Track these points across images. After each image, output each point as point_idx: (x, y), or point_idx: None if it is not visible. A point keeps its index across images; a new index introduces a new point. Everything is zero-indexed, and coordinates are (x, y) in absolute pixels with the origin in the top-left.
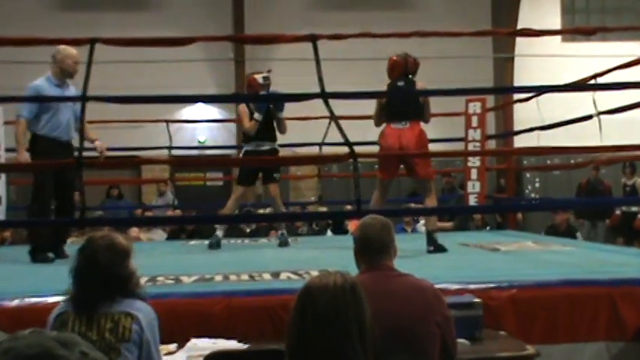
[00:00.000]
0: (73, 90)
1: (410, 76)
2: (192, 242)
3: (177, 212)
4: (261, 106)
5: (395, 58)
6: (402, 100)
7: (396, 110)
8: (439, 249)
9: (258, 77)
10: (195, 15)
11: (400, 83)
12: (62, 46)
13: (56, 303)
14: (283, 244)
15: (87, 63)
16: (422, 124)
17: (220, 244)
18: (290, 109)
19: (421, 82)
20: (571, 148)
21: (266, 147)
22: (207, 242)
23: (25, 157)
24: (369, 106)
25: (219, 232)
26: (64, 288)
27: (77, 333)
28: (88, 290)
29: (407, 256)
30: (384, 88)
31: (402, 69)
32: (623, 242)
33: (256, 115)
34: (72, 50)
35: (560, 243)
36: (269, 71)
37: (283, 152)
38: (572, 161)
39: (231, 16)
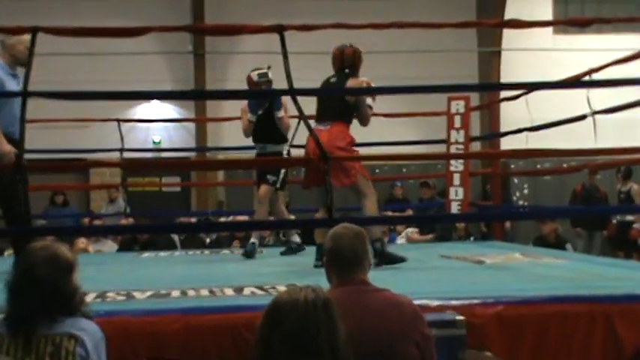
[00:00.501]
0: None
1: (347, 71)
2: (146, 254)
3: (130, 221)
4: (254, 106)
5: (334, 49)
6: (325, 99)
7: (320, 110)
8: (391, 260)
9: (254, 74)
10: (150, 3)
11: (333, 79)
12: None
13: None
14: (249, 254)
15: (28, 54)
16: (348, 125)
17: (255, 252)
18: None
19: (361, 78)
20: (563, 151)
21: (268, 150)
22: (162, 253)
23: (9, 147)
24: None
25: (255, 240)
26: None
27: (13, 358)
28: (26, 308)
29: (383, 269)
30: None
31: (339, 62)
32: (623, 255)
33: (249, 116)
34: (24, 35)
35: (551, 255)
36: (269, 67)
37: (247, 155)
38: (564, 165)
39: (190, 5)
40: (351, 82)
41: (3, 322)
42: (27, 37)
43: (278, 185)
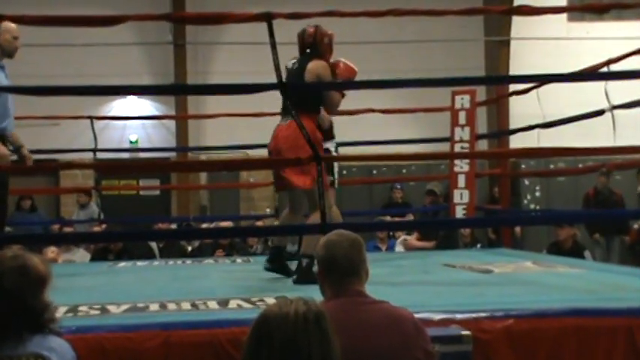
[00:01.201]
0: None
1: (308, 51)
2: (122, 264)
3: (104, 228)
4: None
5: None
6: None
7: (283, 102)
8: (314, 280)
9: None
10: None
11: (293, 64)
12: None
13: None
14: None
15: (15, 45)
16: (313, 116)
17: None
18: (240, 103)
19: (316, 61)
20: (579, 149)
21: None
22: (139, 263)
23: (3, 149)
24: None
25: (292, 246)
26: None
27: None
28: None
29: (381, 279)
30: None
31: (301, 44)
32: None
33: None
34: (10, 24)
35: (565, 264)
36: None
37: (233, 155)
38: (580, 165)
39: None
40: (311, 65)
41: None
42: (13, 25)
43: (336, 185)
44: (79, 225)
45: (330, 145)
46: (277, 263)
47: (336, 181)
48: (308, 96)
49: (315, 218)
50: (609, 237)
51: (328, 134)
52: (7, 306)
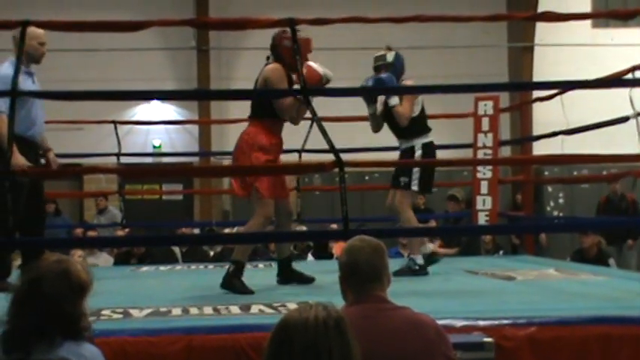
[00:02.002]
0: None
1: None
2: (145, 268)
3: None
4: (365, 96)
5: None
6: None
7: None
8: (236, 290)
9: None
10: None
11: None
12: None
13: None
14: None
15: (17, 50)
16: (263, 123)
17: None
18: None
19: (272, 64)
20: (603, 156)
21: (402, 147)
22: (162, 268)
23: (22, 160)
24: (358, 106)
25: (430, 246)
26: None
27: None
28: (23, 327)
29: (403, 285)
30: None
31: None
32: None
33: (368, 109)
34: (36, 30)
35: (589, 271)
36: (388, 48)
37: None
38: (604, 172)
39: None
40: (265, 69)
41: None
42: (40, 31)
43: (416, 188)
44: (102, 229)
45: (415, 144)
46: (289, 274)
47: (416, 184)
48: (256, 102)
49: (249, 225)
50: (621, 244)
51: (415, 132)
52: (44, 310)
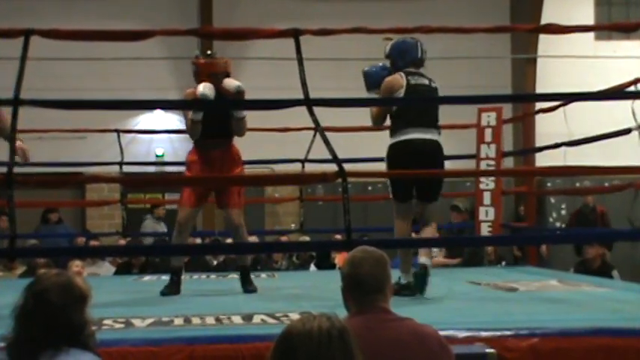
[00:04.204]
0: None
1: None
2: (146, 278)
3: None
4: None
5: None
6: None
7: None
8: (171, 292)
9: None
10: (154, 5)
11: None
12: None
13: None
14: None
15: (20, 59)
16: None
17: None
18: (266, 118)
19: (190, 90)
20: (605, 168)
21: None
22: (164, 277)
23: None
24: (362, 116)
25: (423, 259)
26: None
27: None
28: (31, 335)
29: (405, 296)
30: None
31: None
32: None
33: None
34: None
35: (592, 283)
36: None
37: (258, 170)
38: (606, 184)
39: (197, 7)
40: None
41: (5, 350)
42: None
43: (391, 196)
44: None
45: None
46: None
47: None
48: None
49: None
50: None
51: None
52: (51, 319)
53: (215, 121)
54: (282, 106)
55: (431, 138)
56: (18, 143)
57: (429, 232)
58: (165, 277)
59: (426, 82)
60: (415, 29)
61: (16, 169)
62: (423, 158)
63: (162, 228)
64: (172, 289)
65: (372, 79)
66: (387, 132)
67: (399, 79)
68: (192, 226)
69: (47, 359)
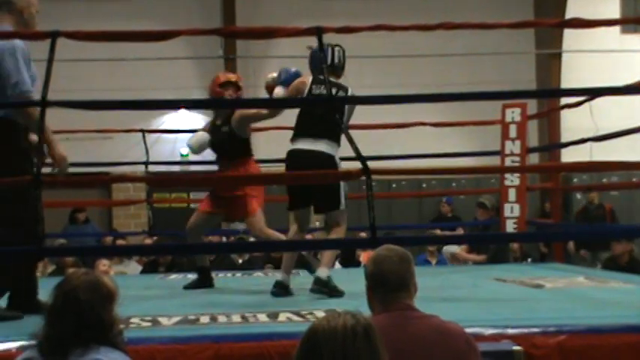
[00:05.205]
0: None
1: None
2: (173, 276)
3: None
4: None
5: None
6: None
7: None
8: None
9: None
10: (177, 5)
11: None
12: None
13: (20, 352)
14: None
15: (47, 61)
16: None
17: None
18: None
19: None
20: (632, 163)
21: None
22: (190, 275)
23: (64, 152)
24: (385, 114)
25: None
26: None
27: None
28: (61, 332)
29: (431, 293)
30: (402, 90)
31: None
32: None
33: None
34: None
35: (619, 279)
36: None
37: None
38: (633, 179)
39: (220, 6)
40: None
41: (35, 348)
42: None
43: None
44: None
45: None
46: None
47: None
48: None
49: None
50: (595, 251)
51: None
52: (79, 317)
53: (217, 143)
54: (308, 103)
55: (315, 149)
56: (59, 150)
57: (334, 235)
58: (192, 276)
59: (335, 91)
60: (438, 26)
61: (44, 170)
62: (301, 169)
63: None
64: (197, 285)
65: (285, 77)
66: (413, 129)
67: (305, 83)
68: (202, 230)
69: (77, 357)
